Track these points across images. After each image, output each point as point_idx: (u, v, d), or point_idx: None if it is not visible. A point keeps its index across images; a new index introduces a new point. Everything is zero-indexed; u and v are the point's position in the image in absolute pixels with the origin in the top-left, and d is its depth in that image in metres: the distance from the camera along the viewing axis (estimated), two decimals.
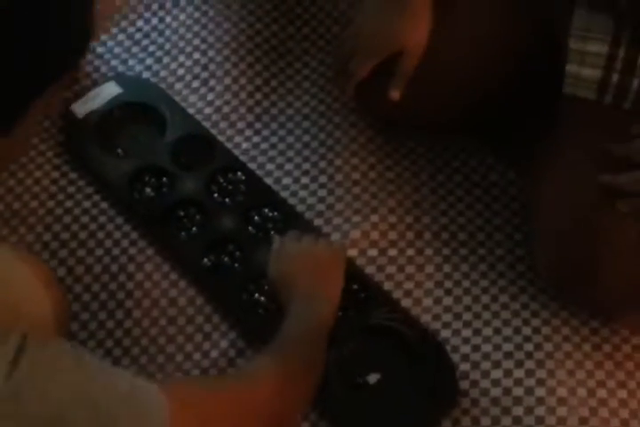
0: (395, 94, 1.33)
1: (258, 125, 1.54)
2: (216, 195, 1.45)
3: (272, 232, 1.41)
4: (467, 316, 1.36)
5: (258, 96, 1.56)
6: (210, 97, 1.55)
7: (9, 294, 0.92)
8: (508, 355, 1.32)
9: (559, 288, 1.31)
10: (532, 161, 1.34)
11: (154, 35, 1.61)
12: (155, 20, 1.63)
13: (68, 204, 1.45)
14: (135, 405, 0.86)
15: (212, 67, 1.57)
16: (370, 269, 1.40)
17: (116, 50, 1.59)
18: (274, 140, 1.52)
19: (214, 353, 1.34)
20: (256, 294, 1.37)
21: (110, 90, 1.51)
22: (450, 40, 1.32)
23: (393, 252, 1.42)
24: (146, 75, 1.57)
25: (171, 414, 0.87)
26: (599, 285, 1.20)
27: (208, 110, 1.54)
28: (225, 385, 1.06)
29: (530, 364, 1.31)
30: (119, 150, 1.48)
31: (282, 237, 1.35)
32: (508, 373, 1.30)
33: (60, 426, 0.80)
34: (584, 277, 1.21)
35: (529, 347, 1.32)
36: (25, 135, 0.85)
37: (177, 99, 1.53)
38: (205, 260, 1.40)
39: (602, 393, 1.28)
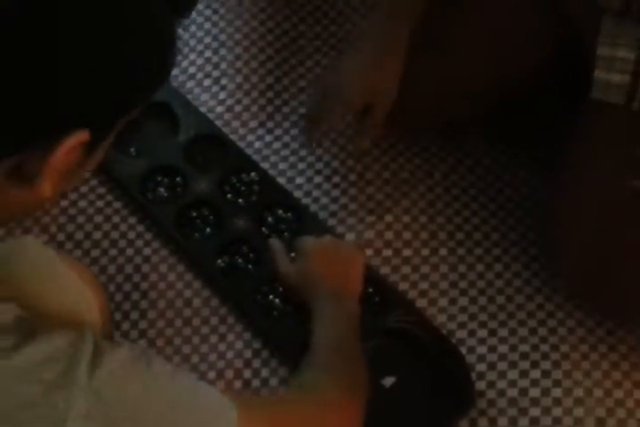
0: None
1: (270, 124, 1.53)
2: (229, 195, 1.45)
3: (285, 233, 1.41)
4: (482, 316, 1.36)
5: (270, 94, 1.55)
6: (221, 96, 1.54)
7: (64, 299, 0.92)
8: (524, 356, 1.32)
9: (580, 290, 1.31)
10: (553, 162, 1.34)
11: None
12: None
13: (82, 203, 1.44)
14: (205, 407, 0.86)
15: (223, 65, 1.56)
16: (384, 270, 1.40)
17: None
18: (286, 138, 1.52)
19: (230, 354, 1.34)
20: (270, 296, 1.37)
21: None
22: (470, 35, 1.31)
23: (407, 252, 1.42)
24: None
25: (239, 418, 0.87)
26: (624, 288, 1.20)
27: (220, 109, 1.53)
28: (289, 401, 1.05)
29: (546, 364, 1.31)
30: (132, 150, 1.48)
31: (278, 239, 1.36)
32: (524, 373, 1.31)
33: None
34: (609, 281, 1.21)
35: (545, 348, 1.32)
36: (100, 155, 0.83)
37: (188, 97, 1.53)
38: (219, 261, 1.39)
39: (618, 394, 1.29)
